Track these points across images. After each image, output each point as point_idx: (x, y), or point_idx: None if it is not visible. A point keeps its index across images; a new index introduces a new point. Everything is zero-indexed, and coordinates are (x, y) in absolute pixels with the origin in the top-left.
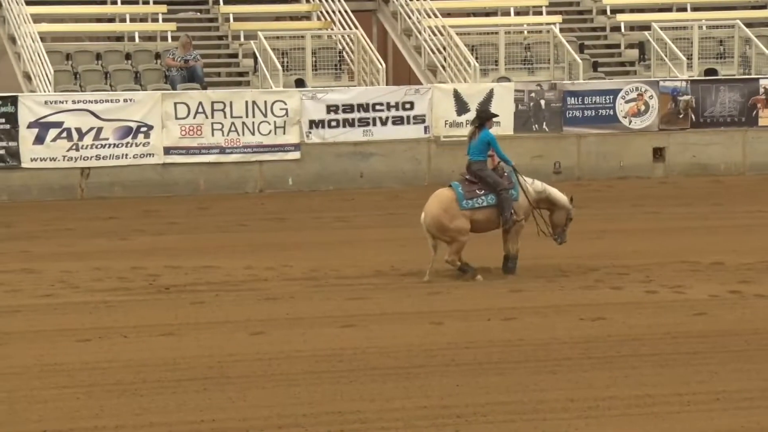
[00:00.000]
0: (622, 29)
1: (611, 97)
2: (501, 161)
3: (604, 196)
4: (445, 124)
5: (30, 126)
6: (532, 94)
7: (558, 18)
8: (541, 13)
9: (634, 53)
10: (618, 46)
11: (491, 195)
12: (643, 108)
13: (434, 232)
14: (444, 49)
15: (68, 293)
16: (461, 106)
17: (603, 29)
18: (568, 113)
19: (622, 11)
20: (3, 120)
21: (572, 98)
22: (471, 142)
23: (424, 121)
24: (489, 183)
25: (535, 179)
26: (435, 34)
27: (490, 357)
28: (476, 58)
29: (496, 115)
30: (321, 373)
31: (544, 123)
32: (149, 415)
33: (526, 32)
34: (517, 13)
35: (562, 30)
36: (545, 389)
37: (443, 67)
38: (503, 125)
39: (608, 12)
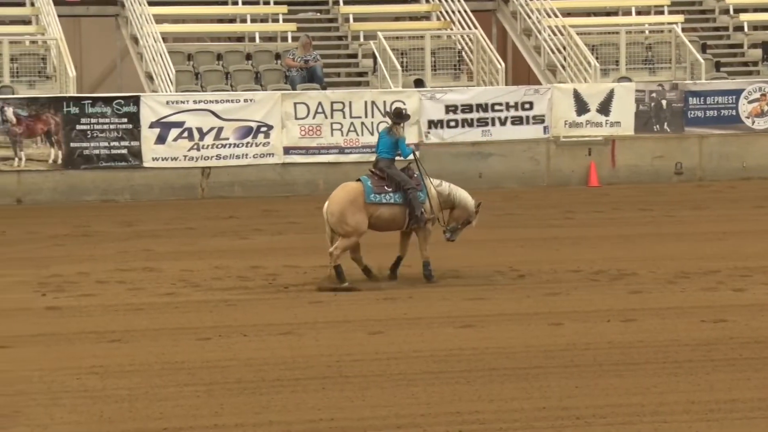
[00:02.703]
0: (745, 29)
1: (734, 97)
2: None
3: (726, 197)
4: (565, 124)
5: (152, 126)
6: (653, 95)
7: (680, 18)
8: (662, 13)
9: (758, 53)
10: (741, 45)
11: (398, 193)
12: (766, 108)
13: (333, 222)
14: (564, 48)
15: (189, 292)
16: (581, 107)
17: (726, 29)
18: (690, 113)
19: (745, 11)
20: (125, 120)
21: (694, 98)
22: (382, 140)
23: (543, 121)
24: (396, 181)
25: (442, 181)
26: (555, 34)
27: (610, 358)
28: (596, 58)
29: (409, 117)
30: (439, 373)
31: (666, 123)
32: (268, 413)
33: (647, 32)
34: (639, 13)
35: (684, 30)
36: (665, 391)
37: (563, 67)
38: (623, 125)
39: (731, 11)
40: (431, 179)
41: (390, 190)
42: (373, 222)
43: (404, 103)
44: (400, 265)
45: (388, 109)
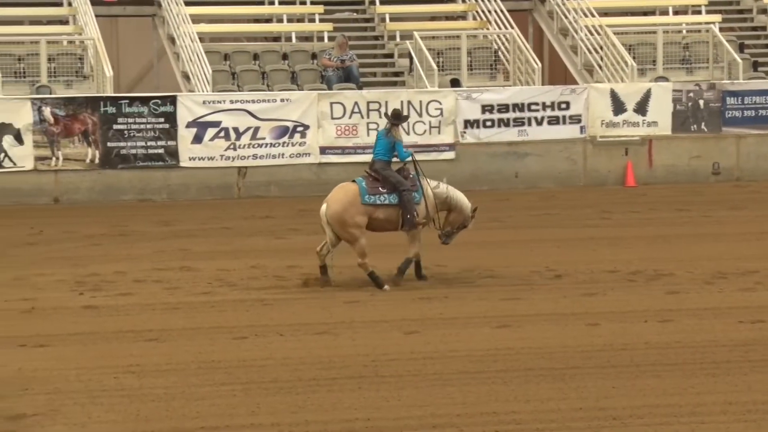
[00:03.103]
0: None
1: None
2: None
3: (764, 197)
4: (602, 123)
5: (188, 125)
6: (691, 94)
7: (717, 17)
8: (700, 12)
9: None
10: None
11: (393, 194)
12: None
13: (334, 224)
14: (600, 48)
15: (225, 291)
16: (618, 106)
17: (763, 28)
18: (728, 113)
19: None
20: (162, 119)
21: (732, 98)
22: (379, 141)
23: (580, 121)
24: (391, 182)
25: (440, 182)
26: (592, 34)
27: (647, 359)
28: (633, 58)
29: (407, 117)
30: (475, 374)
31: (703, 123)
32: (305, 413)
33: (684, 31)
34: (676, 13)
35: (721, 29)
36: (703, 392)
37: (600, 67)
38: (661, 125)
39: None
40: (429, 181)
41: (384, 191)
42: (369, 223)
43: (440, 103)
44: (422, 267)
45: (386, 111)
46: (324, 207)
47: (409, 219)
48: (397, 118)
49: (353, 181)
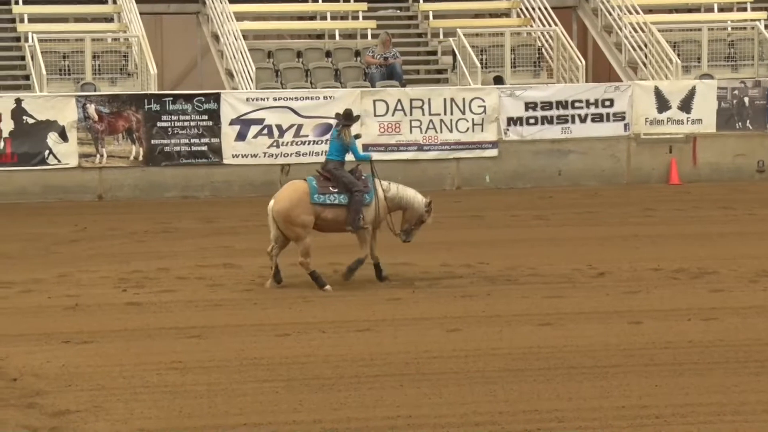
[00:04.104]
0: None
1: None
2: (360, 162)
3: None
4: (646, 121)
5: (232, 123)
6: (736, 92)
7: (763, 14)
8: (745, 9)
9: None
10: None
11: (344, 195)
12: None
13: (280, 222)
14: (645, 45)
15: (268, 288)
16: (662, 104)
17: None
18: None
19: None
20: (206, 117)
21: None
22: (332, 142)
23: (624, 118)
24: (343, 182)
25: (390, 183)
26: (636, 31)
27: (690, 357)
28: (678, 55)
29: (358, 117)
30: (517, 371)
31: (748, 121)
32: (347, 410)
33: (729, 28)
34: (721, 10)
35: (767, 26)
36: (746, 391)
37: (644, 64)
38: (705, 123)
39: None
40: (382, 182)
41: (335, 191)
42: (318, 223)
43: (484, 100)
44: (381, 269)
45: (338, 111)
46: (271, 203)
47: (354, 220)
48: (348, 118)
49: (304, 179)
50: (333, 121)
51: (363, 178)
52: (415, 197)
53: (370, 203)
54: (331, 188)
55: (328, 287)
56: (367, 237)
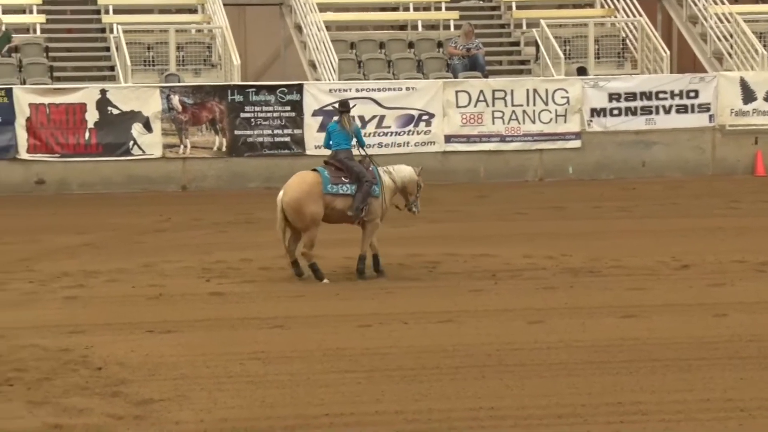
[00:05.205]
0: None
1: None
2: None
3: None
4: (731, 112)
5: (314, 114)
6: None
7: None
8: None
9: None
10: None
11: (354, 185)
12: None
13: (290, 213)
14: (731, 36)
15: (349, 279)
16: (748, 95)
17: None
18: None
19: None
20: (288, 108)
21: None
22: (334, 133)
23: (708, 109)
24: (355, 172)
25: (386, 167)
26: (721, 21)
27: None
28: (764, 46)
29: (354, 105)
30: (600, 363)
31: None
32: (428, 401)
33: None
34: None
35: None
36: None
37: (729, 55)
38: None
39: None
40: (385, 168)
41: (347, 181)
42: (327, 213)
43: (567, 91)
44: (380, 262)
45: (334, 102)
46: (281, 194)
47: (357, 207)
48: (344, 106)
49: (313, 170)
50: (415, 113)
51: (370, 169)
52: (408, 170)
53: (378, 196)
54: (343, 178)
55: (326, 280)
56: (373, 232)
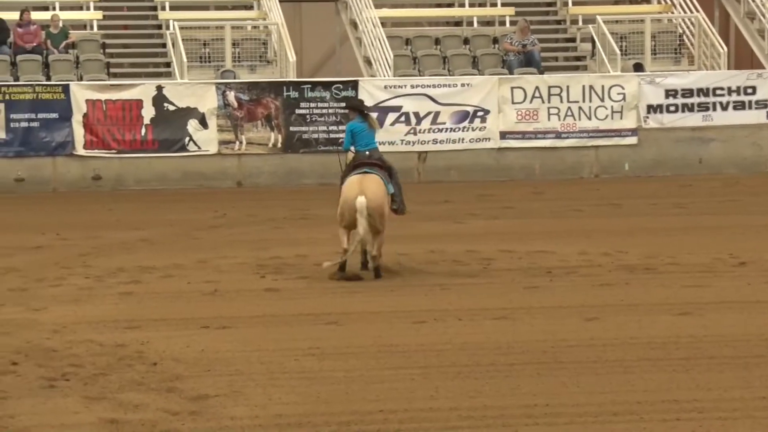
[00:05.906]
0: None
1: None
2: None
3: None
4: None
5: (369, 110)
6: None
7: None
8: None
9: None
10: None
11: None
12: None
13: (377, 216)
14: None
15: (404, 275)
16: None
17: None
18: None
19: None
20: (344, 104)
21: None
22: (362, 133)
23: (766, 106)
24: (390, 169)
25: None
26: None
27: None
28: None
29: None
30: (656, 361)
31: None
32: (483, 398)
33: None
34: None
35: None
36: None
37: None
38: None
39: None
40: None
41: (391, 180)
42: None
43: (623, 88)
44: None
45: (349, 104)
46: (362, 199)
47: (403, 202)
48: (364, 106)
49: (365, 172)
50: (470, 109)
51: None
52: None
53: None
54: (390, 177)
55: (362, 274)
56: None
